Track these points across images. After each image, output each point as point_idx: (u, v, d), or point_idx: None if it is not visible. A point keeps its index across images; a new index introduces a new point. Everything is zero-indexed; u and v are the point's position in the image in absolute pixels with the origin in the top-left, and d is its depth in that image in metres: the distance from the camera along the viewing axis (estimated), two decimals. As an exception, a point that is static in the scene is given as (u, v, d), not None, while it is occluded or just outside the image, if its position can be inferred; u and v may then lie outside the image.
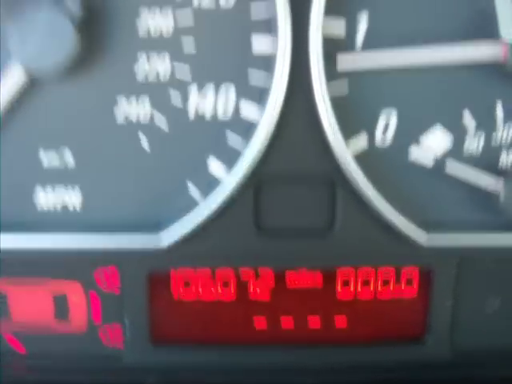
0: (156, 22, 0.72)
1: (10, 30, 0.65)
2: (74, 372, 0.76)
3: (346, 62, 0.70)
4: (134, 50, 0.69)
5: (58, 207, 0.75)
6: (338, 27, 0.73)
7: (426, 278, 0.77)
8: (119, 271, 0.74)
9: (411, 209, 0.74)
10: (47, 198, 0.75)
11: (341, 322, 0.77)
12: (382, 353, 0.77)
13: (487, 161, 0.74)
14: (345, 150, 0.70)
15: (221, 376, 0.75)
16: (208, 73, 0.70)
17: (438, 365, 0.78)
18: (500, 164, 0.76)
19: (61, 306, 0.76)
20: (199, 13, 0.72)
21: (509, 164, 0.77)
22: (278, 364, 0.76)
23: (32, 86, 0.69)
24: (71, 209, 0.75)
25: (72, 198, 0.75)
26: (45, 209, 0.74)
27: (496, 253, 0.75)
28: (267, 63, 0.72)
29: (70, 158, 0.74)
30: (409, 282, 0.78)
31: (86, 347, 0.77)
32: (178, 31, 0.72)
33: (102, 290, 0.75)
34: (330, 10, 0.71)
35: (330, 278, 0.76)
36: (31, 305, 0.76)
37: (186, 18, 0.72)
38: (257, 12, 0.72)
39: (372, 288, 0.77)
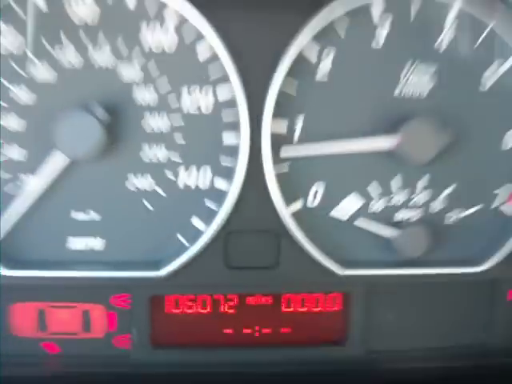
0: (156, 121, 1.02)
1: (58, 130, 0.94)
2: (93, 367, 1.02)
3: (287, 151, 1.01)
4: (140, 141, 1.00)
5: (85, 249, 1.05)
6: (282, 126, 1.04)
7: (346, 299, 1.06)
8: (130, 295, 1.02)
9: (333, 251, 1.05)
10: (76, 243, 1.04)
11: (285, 328, 1.04)
12: (315, 351, 1.05)
13: (385, 217, 1.06)
14: (285, 212, 1.02)
15: (201, 368, 1.00)
16: (192, 157, 1.01)
17: (355, 361, 1.06)
18: (394, 219, 1.07)
19: (86, 321, 1.03)
20: (187, 116, 1.02)
21: (400, 219, 1.08)
22: (240, 359, 1.03)
23: (69, 166, 0.98)
24: (95, 250, 1.05)
25: (96, 243, 1.04)
26: (75, 250, 1.04)
27: (392, 280, 1.05)
28: (233, 151, 1.03)
29: (94, 215, 1.03)
30: (334, 302, 1.07)
31: (103, 349, 1.03)
32: (172, 129, 1.02)
33: (117, 309, 1.02)
34: (276, 115, 1.03)
35: (277, 299, 1.05)
36: (64, 319, 1.03)
37: (178, 120, 1.02)
38: (226, 117, 1.02)
39: (306, 307, 1.07)
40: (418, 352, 1.07)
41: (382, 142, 1.01)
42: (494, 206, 1.09)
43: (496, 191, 1.09)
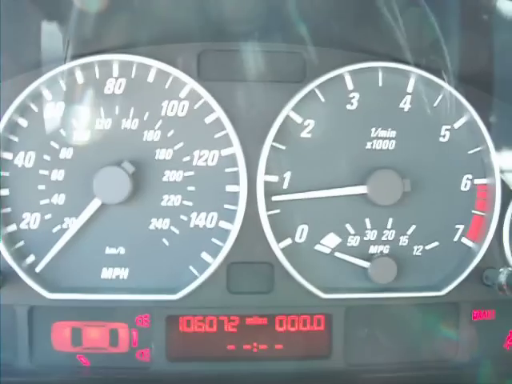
0: (171, 172, 1.24)
1: (95, 179, 1.14)
2: (118, 376, 1.20)
3: (277, 198, 1.22)
4: (160, 192, 1.21)
5: (114, 277, 1.26)
6: (273, 179, 1.25)
7: (328, 320, 1.24)
8: (149, 316, 1.23)
9: (317, 278, 1.24)
10: (107, 273, 1.25)
11: (278, 345, 1.22)
12: (304, 364, 1.23)
13: (361, 250, 1.25)
14: (277, 247, 1.22)
15: (209, 378, 1.19)
16: (202, 204, 1.21)
17: (338, 372, 1.24)
18: (369, 252, 1.27)
19: (114, 337, 1.23)
20: (196, 168, 1.24)
21: (374, 252, 1.28)
22: (241, 371, 1.21)
23: (102, 208, 1.20)
24: (121, 279, 1.25)
25: (122, 273, 1.25)
26: (106, 278, 1.26)
27: (367, 303, 1.24)
28: (234, 197, 1.24)
29: (122, 250, 1.25)
30: (318, 322, 1.26)
31: (126, 362, 1.21)
32: (184, 178, 1.24)
33: (138, 328, 1.22)
34: (269, 166, 1.24)
35: (271, 320, 1.24)
36: (96, 336, 1.23)
37: (190, 172, 1.24)
38: (228, 167, 1.25)
39: (296, 326, 1.26)
40: (392, 365, 1.24)
41: (357, 190, 1.20)
42: (456, 238, 1.29)
43: (457, 226, 1.29)
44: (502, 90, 1.24)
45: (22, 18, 1.07)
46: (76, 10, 1.09)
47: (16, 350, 1.20)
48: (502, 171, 1.25)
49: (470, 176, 1.27)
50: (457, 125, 1.26)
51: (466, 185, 1.27)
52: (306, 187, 1.22)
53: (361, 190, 1.20)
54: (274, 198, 1.21)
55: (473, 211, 1.26)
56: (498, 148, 1.26)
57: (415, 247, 1.25)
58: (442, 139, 1.26)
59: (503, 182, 1.25)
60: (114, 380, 1.20)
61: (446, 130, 1.26)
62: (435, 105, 1.25)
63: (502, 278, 1.22)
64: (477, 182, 1.26)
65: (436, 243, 1.25)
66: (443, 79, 1.24)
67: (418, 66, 1.25)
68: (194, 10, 1.16)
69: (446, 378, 1.21)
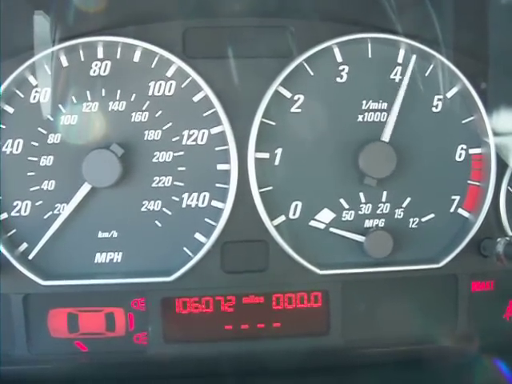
0: (162, 154, 1.26)
1: (84, 163, 1.16)
2: (116, 360, 1.22)
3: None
4: (151, 173, 1.21)
5: (107, 261, 1.27)
6: (264, 156, 1.25)
7: (326, 297, 1.26)
8: (145, 299, 1.24)
9: (312, 254, 1.25)
10: (101, 257, 1.27)
11: (276, 323, 1.23)
12: (303, 342, 1.24)
13: (356, 224, 1.26)
14: (270, 224, 1.22)
15: (207, 359, 1.21)
16: (193, 184, 1.22)
17: (336, 348, 1.26)
18: (364, 226, 1.29)
19: (110, 322, 1.24)
20: (187, 148, 1.25)
21: (369, 226, 1.29)
22: (239, 351, 1.22)
23: (93, 192, 1.22)
24: (115, 262, 1.27)
25: (115, 256, 1.26)
26: (100, 263, 1.27)
27: (363, 278, 1.25)
28: (226, 175, 1.25)
29: (115, 234, 1.26)
30: (316, 299, 1.28)
31: (124, 346, 1.22)
32: (174, 158, 1.25)
33: (135, 311, 1.24)
34: (259, 142, 1.24)
35: (268, 298, 1.25)
36: (92, 322, 1.25)
37: (180, 152, 1.24)
38: (218, 146, 1.26)
39: (293, 304, 1.28)
40: (391, 340, 1.24)
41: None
42: (452, 210, 1.30)
43: (453, 197, 1.29)
44: (494, 58, 1.25)
45: (6, 4, 1.08)
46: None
47: (13, 338, 1.21)
48: (496, 140, 1.27)
49: (464, 146, 1.28)
50: (449, 94, 1.26)
51: (460, 155, 1.28)
52: (297, 163, 1.23)
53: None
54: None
55: (468, 181, 1.26)
56: (491, 116, 1.27)
57: (411, 220, 1.26)
58: (434, 109, 1.26)
59: (498, 151, 1.27)
60: (112, 364, 1.21)
61: (439, 99, 1.26)
62: (427, 75, 1.26)
63: (500, 248, 1.23)
64: (471, 151, 1.26)
65: (432, 215, 1.25)
66: (434, 49, 1.25)
67: (408, 36, 1.27)
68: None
69: (445, 351, 1.23)
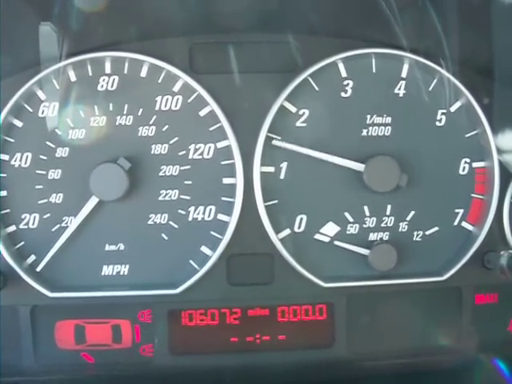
0: (168, 168, 1.30)
1: (91, 177, 1.21)
2: (122, 372, 1.26)
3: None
4: (158, 186, 1.26)
5: (114, 274, 1.31)
6: (270, 170, 1.30)
7: (330, 309, 1.29)
8: (152, 311, 1.28)
9: (317, 267, 1.29)
10: (108, 270, 1.32)
11: (281, 336, 1.27)
12: (308, 354, 1.28)
13: (361, 237, 1.30)
14: (275, 237, 1.27)
15: (212, 370, 1.25)
16: (199, 198, 1.26)
17: (341, 360, 1.29)
18: (369, 239, 1.33)
19: (117, 334, 1.28)
20: (193, 162, 1.29)
21: (373, 239, 1.34)
22: (244, 363, 1.26)
23: (100, 205, 1.25)
24: (121, 275, 1.31)
25: (122, 269, 1.31)
26: (106, 275, 1.32)
27: (368, 291, 1.29)
28: (231, 188, 1.29)
29: (121, 246, 1.31)
30: (320, 312, 1.32)
31: (130, 357, 1.26)
32: (182, 174, 1.29)
33: (141, 323, 1.28)
34: (265, 157, 1.30)
35: (273, 311, 1.29)
36: (99, 333, 1.28)
37: (186, 165, 1.28)
38: (224, 160, 1.30)
39: (298, 317, 1.32)
40: (395, 352, 1.27)
41: (353, 165, 1.25)
42: (456, 223, 1.34)
43: (457, 210, 1.33)
44: (498, 73, 1.30)
45: (16, 18, 1.13)
46: (68, 8, 1.16)
47: (20, 349, 1.24)
48: (499, 153, 1.31)
49: (467, 159, 1.32)
50: (453, 108, 1.30)
51: (464, 168, 1.32)
52: (302, 177, 1.27)
53: (358, 167, 1.25)
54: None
55: (472, 195, 1.30)
56: (494, 130, 1.31)
57: (415, 233, 1.29)
58: (438, 123, 1.30)
59: (501, 165, 1.30)
60: (118, 376, 1.25)
61: (442, 113, 1.30)
62: (430, 89, 1.29)
63: (504, 261, 1.27)
64: (475, 165, 1.30)
65: (436, 228, 1.29)
66: (437, 63, 1.29)
67: (411, 51, 1.31)
68: (183, 4, 1.22)
69: (449, 363, 1.27)
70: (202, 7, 1.18)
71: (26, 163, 1.25)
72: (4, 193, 1.25)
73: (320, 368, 1.25)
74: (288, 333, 1.27)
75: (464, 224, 1.30)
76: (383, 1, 1.14)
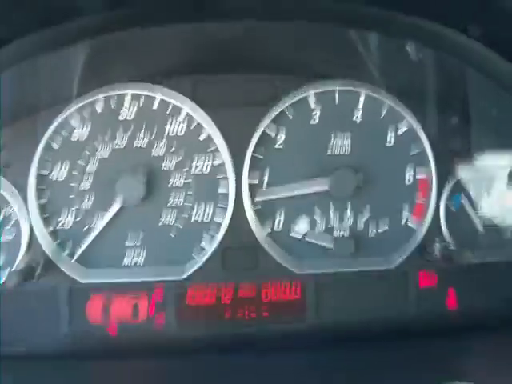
0: (175, 181, 1.64)
1: (116, 187, 1.56)
2: (140, 338, 1.57)
3: (259, 198, 1.61)
4: (167, 195, 1.57)
5: (132, 264, 1.65)
6: (255, 182, 1.63)
7: (303, 290, 1.59)
8: (163, 293, 1.58)
9: (292, 257, 1.63)
10: (127, 261, 1.65)
11: (265, 313, 1.57)
12: (286, 326, 1.59)
13: (327, 234, 1.67)
14: (260, 234, 1.58)
15: (212, 339, 1.58)
16: (199, 204, 1.58)
17: (313, 328, 1.63)
18: (334, 235, 1.67)
19: (135, 310, 1.59)
20: (194, 176, 1.61)
21: (336, 236, 1.67)
22: (236, 333, 1.58)
23: (121, 210, 1.57)
24: (138, 264, 1.65)
25: (139, 259, 1.64)
26: (126, 264, 1.65)
27: (333, 275, 1.62)
28: (225, 196, 1.62)
29: (138, 243, 1.64)
30: (295, 292, 1.65)
31: (145, 329, 1.56)
32: (185, 186, 1.63)
33: (155, 302, 1.57)
34: (251, 171, 1.64)
35: (258, 292, 1.59)
36: (121, 310, 1.60)
37: (189, 179, 1.61)
38: (219, 174, 1.63)
39: (278, 296, 1.66)
40: (357, 322, 1.62)
41: (319, 184, 1.59)
42: (402, 222, 1.67)
43: (403, 212, 1.65)
44: (433, 102, 1.64)
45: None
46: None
47: (57, 322, 1.59)
48: (436, 167, 1.66)
49: (412, 172, 1.66)
50: (399, 132, 1.65)
51: (409, 180, 1.67)
52: (280, 187, 1.60)
53: (323, 184, 1.59)
54: (257, 199, 1.60)
55: (415, 200, 1.65)
56: (432, 148, 1.66)
57: (369, 231, 1.62)
58: (388, 144, 1.63)
59: (437, 176, 1.66)
60: (137, 345, 1.60)
61: (391, 136, 1.65)
62: (381, 117, 1.65)
63: (439, 251, 1.62)
64: (418, 177, 1.64)
65: (386, 227, 1.62)
66: (386, 97, 1.64)
67: (367, 87, 1.66)
68: (184, 51, 1.56)
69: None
70: (199, 56, 1.52)
71: (61, 177, 1.60)
72: (44, 201, 1.59)
73: (295, 336, 1.60)
74: (270, 310, 1.61)
75: (409, 223, 1.65)
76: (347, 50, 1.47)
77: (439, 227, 1.64)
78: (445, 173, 1.63)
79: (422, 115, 1.62)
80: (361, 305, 1.61)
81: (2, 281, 1.51)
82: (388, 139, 1.63)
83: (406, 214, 1.64)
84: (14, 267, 1.53)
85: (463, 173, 1.63)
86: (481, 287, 1.65)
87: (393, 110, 1.61)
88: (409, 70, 1.50)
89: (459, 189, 1.65)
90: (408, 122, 1.61)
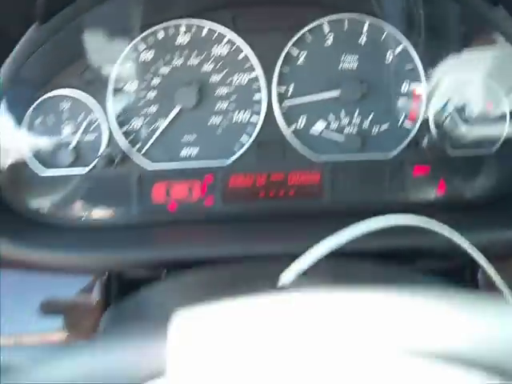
0: (219, 90, 2.11)
1: (176, 96, 2.04)
2: (193, 214, 1.97)
3: (286, 102, 2.03)
4: (214, 101, 2.04)
5: (188, 155, 2.10)
6: (282, 90, 2.09)
7: (322, 175, 2.05)
8: (213, 176, 1.98)
9: (311, 150, 2.08)
10: (184, 151, 2.07)
11: (290, 192, 2.05)
12: (306, 203, 2.07)
13: (339, 130, 2.09)
14: (286, 131, 2.02)
15: (248, 213, 2.07)
16: (239, 108, 2.00)
17: (329, 207, 2.08)
18: (344, 132, 2.10)
19: (190, 191, 2.03)
20: (235, 87, 2.09)
21: (346, 132, 2.10)
22: (270, 208, 2.06)
23: (180, 112, 2.09)
24: (193, 155, 2.10)
25: (194, 151, 2.08)
26: (183, 156, 2.09)
27: (346, 162, 2.07)
28: (259, 104, 2.03)
29: (192, 138, 2.10)
30: (315, 178, 2.09)
31: (198, 206, 1.96)
32: (228, 95, 2.09)
33: (206, 184, 2.01)
34: (279, 83, 2.08)
35: (285, 177, 2.05)
36: (179, 192, 2.06)
37: (231, 88, 2.10)
38: (254, 84, 2.09)
39: (300, 181, 2.09)
40: (364, 202, 2.04)
41: (332, 92, 2.00)
42: (399, 123, 2.09)
43: (400, 113, 2.03)
44: (426, 28, 2.06)
45: None
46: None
47: (129, 203, 2.05)
48: (427, 79, 2.08)
49: (407, 84, 2.08)
50: (396, 52, 2.05)
51: (404, 88, 2.09)
52: (302, 96, 2.02)
53: (336, 94, 2.03)
54: (284, 104, 2.00)
55: (410, 104, 2.06)
56: (424, 66, 2.06)
57: (373, 129, 2.04)
58: (386, 62, 2.05)
59: (428, 86, 2.06)
60: (191, 218, 2.04)
61: (389, 55, 2.06)
62: (381, 40, 2.07)
63: (426, 144, 2.03)
64: (412, 86, 2.04)
65: (387, 125, 2.03)
66: (385, 24, 2.07)
67: (369, 17, 2.09)
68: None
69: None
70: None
71: (132, 90, 2.05)
72: (119, 109, 2.05)
73: (315, 209, 2.03)
74: (295, 191, 2.01)
75: (405, 123, 2.07)
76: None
77: (429, 128, 2.05)
78: (434, 84, 2.05)
79: (415, 39, 2.05)
80: (366, 188, 2.03)
81: (91, 167, 1.98)
82: (387, 58, 2.04)
83: (402, 117, 2.05)
84: (98, 159, 1.99)
85: (448, 82, 2.05)
86: (466, 177, 2.07)
87: (390, 35, 2.03)
88: (403, 3, 1.94)
89: (447, 97, 2.07)
90: (403, 44, 2.03)
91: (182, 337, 0.67)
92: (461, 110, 2.06)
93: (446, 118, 2.05)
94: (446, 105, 2.07)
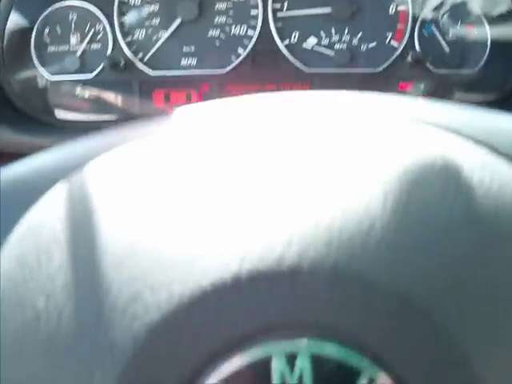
0: (218, 5, 2.25)
1: (178, 8, 2.20)
2: None
3: (280, 14, 2.20)
4: (213, 14, 2.21)
5: (187, 64, 2.25)
6: (277, 6, 2.24)
7: (311, 84, 2.24)
8: (209, 84, 2.18)
9: (302, 61, 2.24)
10: (184, 61, 2.26)
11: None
12: None
13: (330, 46, 2.25)
14: (279, 43, 2.19)
15: None
16: (236, 22, 2.18)
17: None
18: (334, 48, 2.26)
19: (188, 98, 2.23)
20: (233, 2, 2.24)
21: (337, 48, 2.26)
22: None
23: (181, 24, 2.24)
24: (192, 64, 2.25)
25: (192, 61, 2.24)
26: (184, 64, 2.26)
27: (334, 73, 2.24)
28: (255, 19, 2.21)
29: (192, 49, 2.25)
30: (305, 86, 2.24)
31: None
32: (227, 9, 2.24)
33: (203, 92, 2.22)
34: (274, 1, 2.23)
35: (279, 88, 2.23)
36: (178, 98, 2.23)
37: (229, 5, 2.25)
38: (252, 1, 2.25)
39: (293, 87, 2.24)
40: None
41: (324, 8, 2.16)
42: (387, 42, 2.24)
43: (387, 33, 2.22)
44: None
45: None
46: None
47: (131, 108, 2.20)
48: (412, 2, 2.23)
49: (394, 6, 2.24)
50: None
51: (392, 11, 2.25)
52: (295, 11, 2.21)
53: (327, 10, 2.19)
54: (279, 15, 2.19)
55: (397, 24, 2.23)
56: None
57: (362, 45, 2.20)
58: None
59: (413, 8, 2.22)
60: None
61: None
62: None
63: (411, 59, 2.19)
64: (399, 9, 2.23)
65: (375, 43, 2.18)
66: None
67: None
68: None
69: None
70: None
71: (137, 3, 2.20)
72: (124, 20, 2.19)
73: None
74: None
75: (392, 42, 2.22)
76: None
77: (414, 46, 2.20)
78: (419, 6, 2.20)
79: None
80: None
81: (97, 72, 2.13)
82: (379, -20, 2.20)
83: (389, 36, 2.20)
84: (103, 64, 2.14)
85: (433, 4, 2.20)
86: (448, 96, 2.22)
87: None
88: None
89: (431, 19, 2.21)
90: (393, -32, 2.18)
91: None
92: (444, 31, 2.20)
93: (430, 37, 2.19)
94: (430, 25, 2.21)
